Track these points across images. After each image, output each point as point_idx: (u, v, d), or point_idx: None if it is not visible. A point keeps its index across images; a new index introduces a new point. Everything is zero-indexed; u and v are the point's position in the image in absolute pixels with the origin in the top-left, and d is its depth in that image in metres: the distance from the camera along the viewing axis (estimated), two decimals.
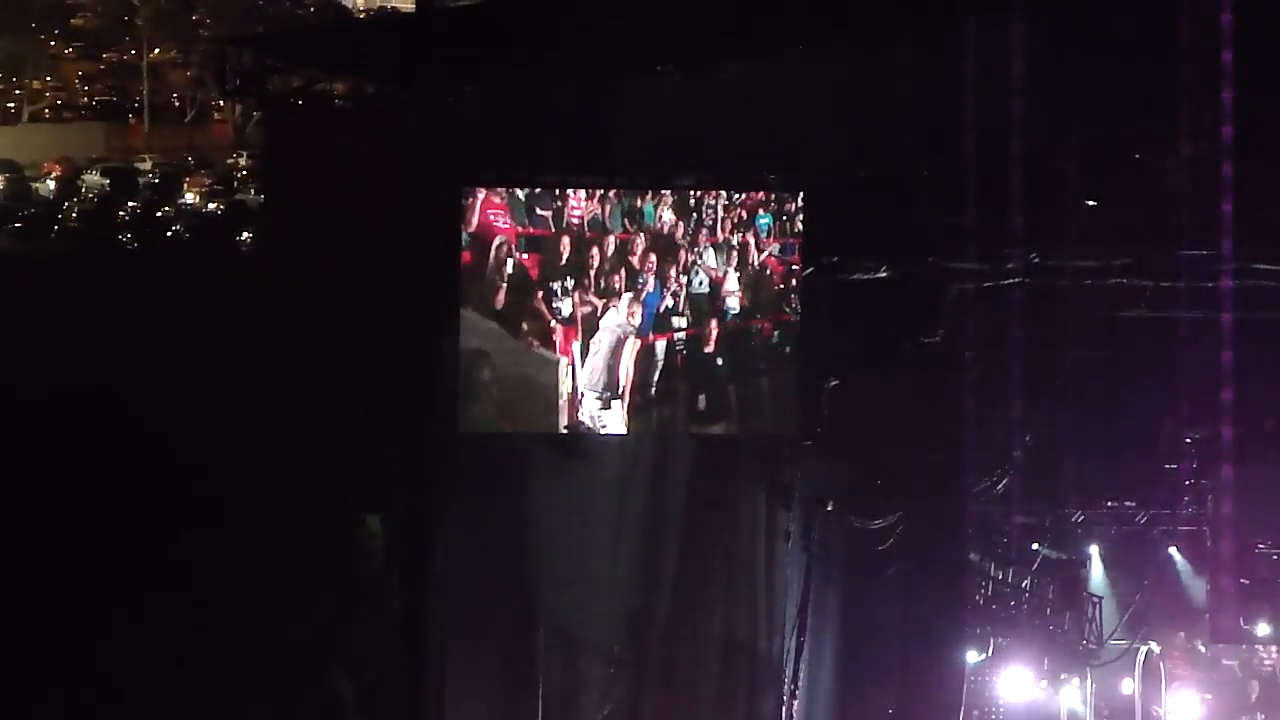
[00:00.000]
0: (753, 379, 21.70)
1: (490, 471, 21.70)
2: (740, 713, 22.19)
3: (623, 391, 21.47)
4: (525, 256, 21.29)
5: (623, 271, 21.45)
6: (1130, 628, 22.54)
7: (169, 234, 59.91)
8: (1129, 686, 22.41)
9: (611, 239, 21.41)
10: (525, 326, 21.36)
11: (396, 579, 21.94)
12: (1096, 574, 22.87)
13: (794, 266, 21.71)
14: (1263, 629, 22.44)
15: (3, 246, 56.94)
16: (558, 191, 21.29)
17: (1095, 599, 22.63)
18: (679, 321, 21.62)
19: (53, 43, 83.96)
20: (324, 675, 22.30)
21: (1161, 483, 22.97)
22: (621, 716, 22.00)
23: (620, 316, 21.40)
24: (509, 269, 21.27)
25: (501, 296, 21.29)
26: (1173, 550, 22.82)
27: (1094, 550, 22.89)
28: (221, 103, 75.00)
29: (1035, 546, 22.80)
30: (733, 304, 21.68)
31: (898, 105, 21.91)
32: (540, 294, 21.32)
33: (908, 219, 21.99)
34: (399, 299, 21.88)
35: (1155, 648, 22.29)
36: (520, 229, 21.29)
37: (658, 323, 21.62)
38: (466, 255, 21.20)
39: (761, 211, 21.68)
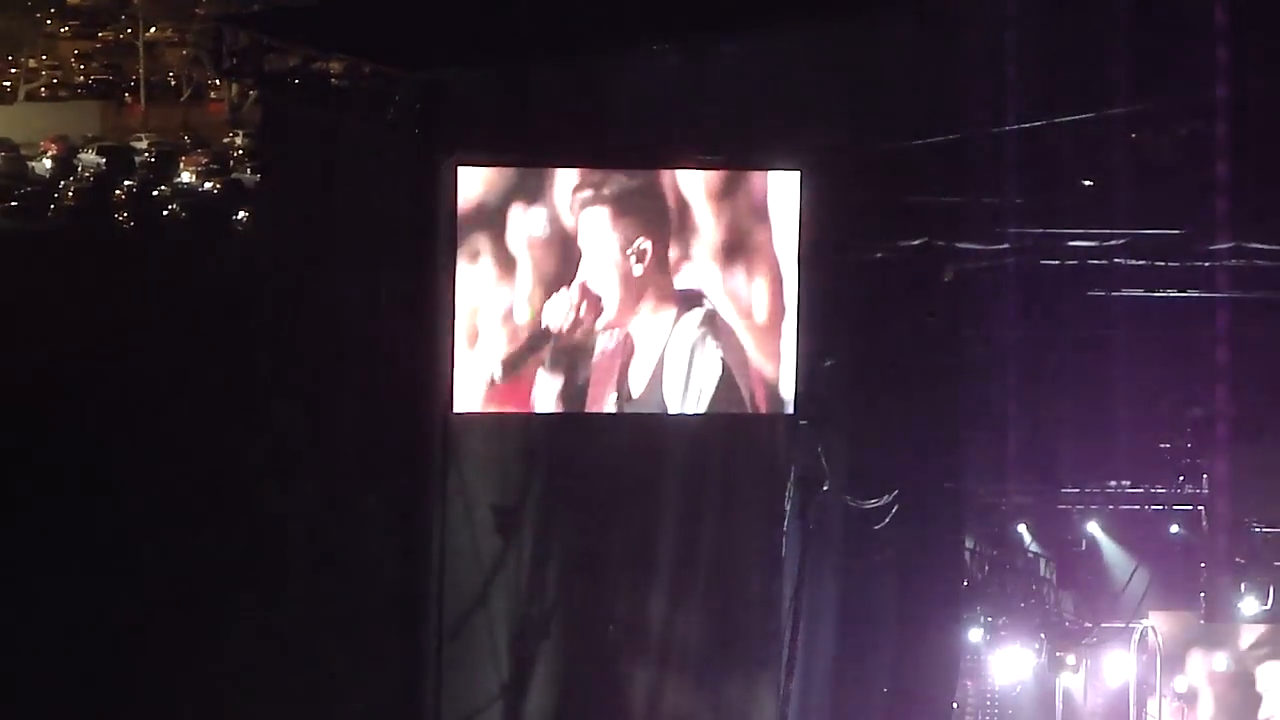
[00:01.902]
0: (748, 358, 21.67)
1: (488, 451, 21.68)
2: (736, 692, 22.20)
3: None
4: (525, 237, 21.23)
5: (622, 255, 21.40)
6: (1126, 606, 22.58)
7: (165, 213, 59.99)
8: (1125, 665, 22.46)
9: (609, 220, 21.35)
10: (522, 305, 21.32)
11: (394, 559, 21.95)
12: (1092, 553, 22.91)
13: (790, 245, 21.64)
14: (1256, 606, 22.49)
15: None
16: (556, 172, 21.23)
17: (1091, 578, 22.67)
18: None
19: (49, 21, 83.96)
20: (322, 654, 22.33)
21: (1157, 462, 23.01)
22: (617, 694, 22.01)
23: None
24: (506, 248, 21.22)
25: (499, 277, 21.25)
26: (1174, 527, 22.90)
27: (1091, 529, 22.93)
28: (218, 82, 75.02)
29: (1021, 528, 22.87)
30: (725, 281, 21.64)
31: (895, 84, 21.89)
32: (540, 276, 21.28)
33: (905, 198, 21.97)
34: (395, 278, 21.86)
35: (1151, 626, 22.33)
36: (519, 209, 21.24)
37: None
38: (462, 233, 21.15)
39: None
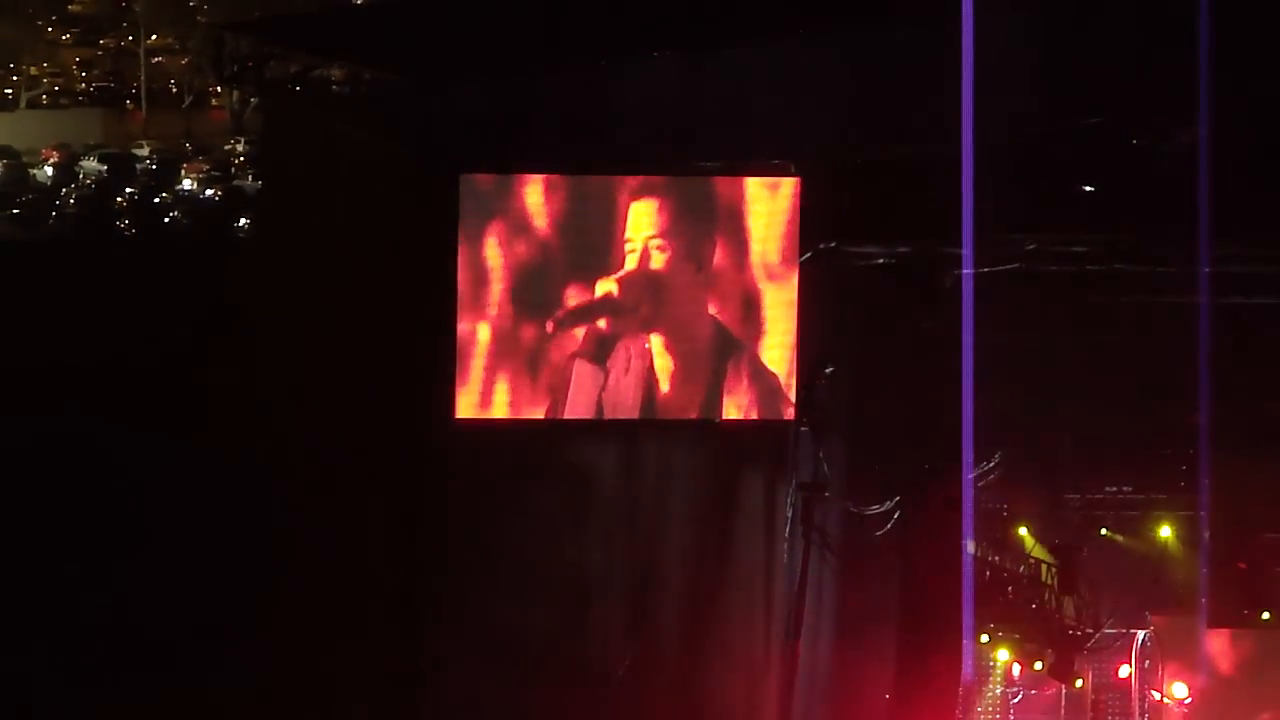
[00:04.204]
0: (750, 365, 21.67)
1: (491, 458, 21.67)
2: (739, 698, 22.22)
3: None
4: (525, 245, 21.22)
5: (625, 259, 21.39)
6: (1127, 612, 22.60)
7: (167, 220, 59.97)
8: (1125, 671, 22.49)
9: (611, 227, 21.33)
10: (527, 314, 21.31)
11: (396, 564, 21.96)
12: (1095, 559, 22.90)
13: (791, 251, 21.64)
14: (1259, 612, 22.51)
15: (1, 232, 57.00)
16: (555, 179, 21.22)
17: (1093, 584, 22.68)
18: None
19: (50, 29, 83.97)
20: (322, 664, 22.34)
21: (1159, 467, 23.01)
22: (618, 700, 22.02)
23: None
24: (509, 257, 21.21)
25: (501, 284, 21.24)
26: (1165, 529, 22.91)
27: (1092, 535, 22.94)
28: (219, 89, 75.05)
29: (1023, 533, 22.83)
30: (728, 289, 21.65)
31: (895, 89, 21.91)
32: (540, 283, 21.27)
33: (906, 204, 21.98)
34: (397, 285, 21.87)
35: (1151, 632, 22.35)
36: (520, 217, 21.23)
37: None
38: (464, 242, 21.15)
39: None
